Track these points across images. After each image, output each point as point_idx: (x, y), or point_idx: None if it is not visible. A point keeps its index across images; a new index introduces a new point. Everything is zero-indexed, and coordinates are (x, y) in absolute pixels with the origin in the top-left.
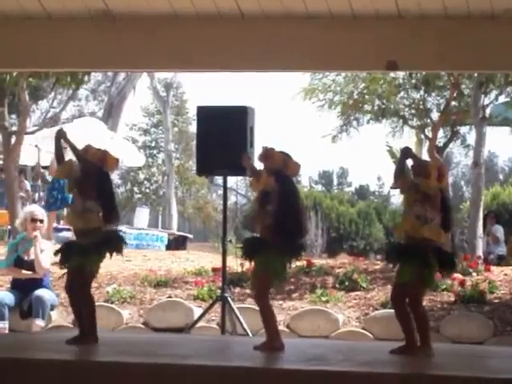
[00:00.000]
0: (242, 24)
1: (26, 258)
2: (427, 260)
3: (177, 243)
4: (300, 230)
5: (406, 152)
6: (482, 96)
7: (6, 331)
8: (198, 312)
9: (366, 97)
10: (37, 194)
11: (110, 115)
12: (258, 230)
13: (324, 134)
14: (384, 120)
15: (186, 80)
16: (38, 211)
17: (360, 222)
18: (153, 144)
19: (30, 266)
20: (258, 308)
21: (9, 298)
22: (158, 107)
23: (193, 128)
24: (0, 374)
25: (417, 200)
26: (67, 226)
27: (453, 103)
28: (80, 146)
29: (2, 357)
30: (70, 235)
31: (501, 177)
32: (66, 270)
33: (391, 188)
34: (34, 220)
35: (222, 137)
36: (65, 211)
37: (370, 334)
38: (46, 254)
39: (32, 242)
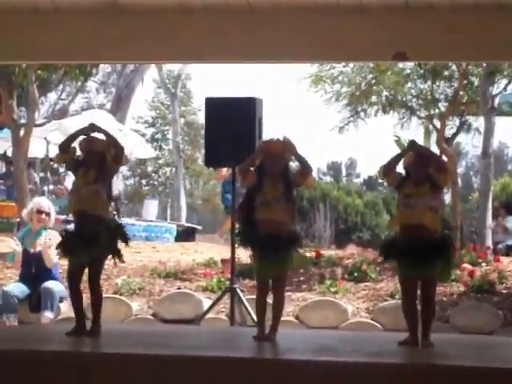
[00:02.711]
0: (250, 15)
1: (32, 250)
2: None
3: (186, 235)
4: None
5: (412, 145)
6: (491, 86)
7: (16, 323)
8: (207, 303)
9: (374, 88)
10: (46, 187)
11: (119, 107)
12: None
13: (332, 125)
14: (392, 111)
15: (192, 70)
16: (45, 203)
17: (368, 212)
18: (159, 136)
19: (37, 258)
20: (278, 299)
21: (18, 290)
22: (164, 100)
23: (198, 118)
24: (10, 366)
25: (427, 192)
26: None
27: (461, 93)
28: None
29: (11, 349)
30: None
31: (510, 167)
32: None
33: (381, 179)
34: (39, 212)
35: (230, 128)
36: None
37: (378, 325)
38: (54, 246)
39: (38, 234)
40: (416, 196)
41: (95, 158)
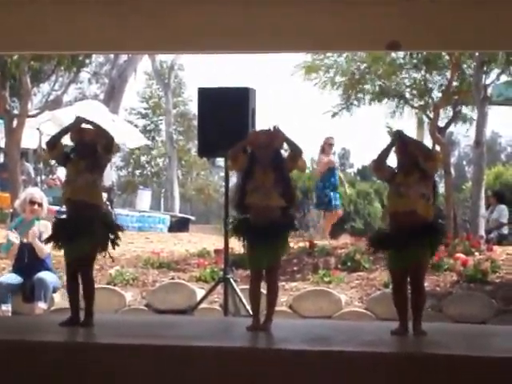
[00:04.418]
0: (245, 6)
1: (25, 240)
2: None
3: (179, 225)
4: None
5: (400, 135)
6: (484, 75)
7: (9, 314)
8: (200, 294)
9: (367, 76)
10: (38, 177)
11: (112, 98)
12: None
13: (326, 115)
14: (385, 100)
15: (184, 61)
16: (38, 194)
17: (361, 202)
18: (152, 127)
19: (30, 248)
20: (272, 288)
21: (11, 280)
22: (156, 91)
23: (191, 109)
24: (3, 357)
25: (418, 180)
26: None
27: (454, 83)
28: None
29: (5, 339)
30: None
31: (503, 156)
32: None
33: (373, 174)
34: (32, 202)
35: (224, 118)
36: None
37: (372, 314)
38: (46, 236)
39: (30, 224)
40: (406, 185)
41: (86, 149)
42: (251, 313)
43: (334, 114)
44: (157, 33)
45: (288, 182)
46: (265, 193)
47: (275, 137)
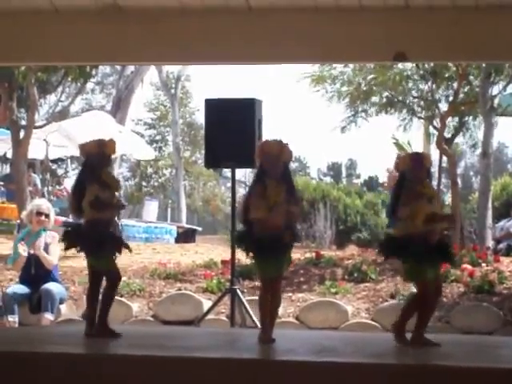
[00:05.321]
0: (250, 16)
1: (31, 251)
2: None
3: (186, 236)
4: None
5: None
6: (490, 86)
7: (16, 325)
8: (207, 305)
9: (374, 88)
10: (45, 188)
11: (119, 109)
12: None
13: (332, 126)
14: (392, 111)
15: (191, 72)
16: (45, 205)
17: (367, 212)
18: (159, 138)
19: (37, 259)
20: (277, 299)
21: (18, 291)
22: (163, 102)
23: (197, 119)
24: (10, 368)
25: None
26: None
27: (461, 94)
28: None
29: (11, 351)
30: None
31: (509, 167)
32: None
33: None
34: (39, 213)
35: (230, 129)
36: None
37: (379, 326)
38: (54, 247)
39: (37, 235)
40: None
41: (105, 161)
42: (259, 323)
43: (343, 129)
44: (162, 44)
45: (296, 198)
46: (276, 210)
47: (285, 148)
